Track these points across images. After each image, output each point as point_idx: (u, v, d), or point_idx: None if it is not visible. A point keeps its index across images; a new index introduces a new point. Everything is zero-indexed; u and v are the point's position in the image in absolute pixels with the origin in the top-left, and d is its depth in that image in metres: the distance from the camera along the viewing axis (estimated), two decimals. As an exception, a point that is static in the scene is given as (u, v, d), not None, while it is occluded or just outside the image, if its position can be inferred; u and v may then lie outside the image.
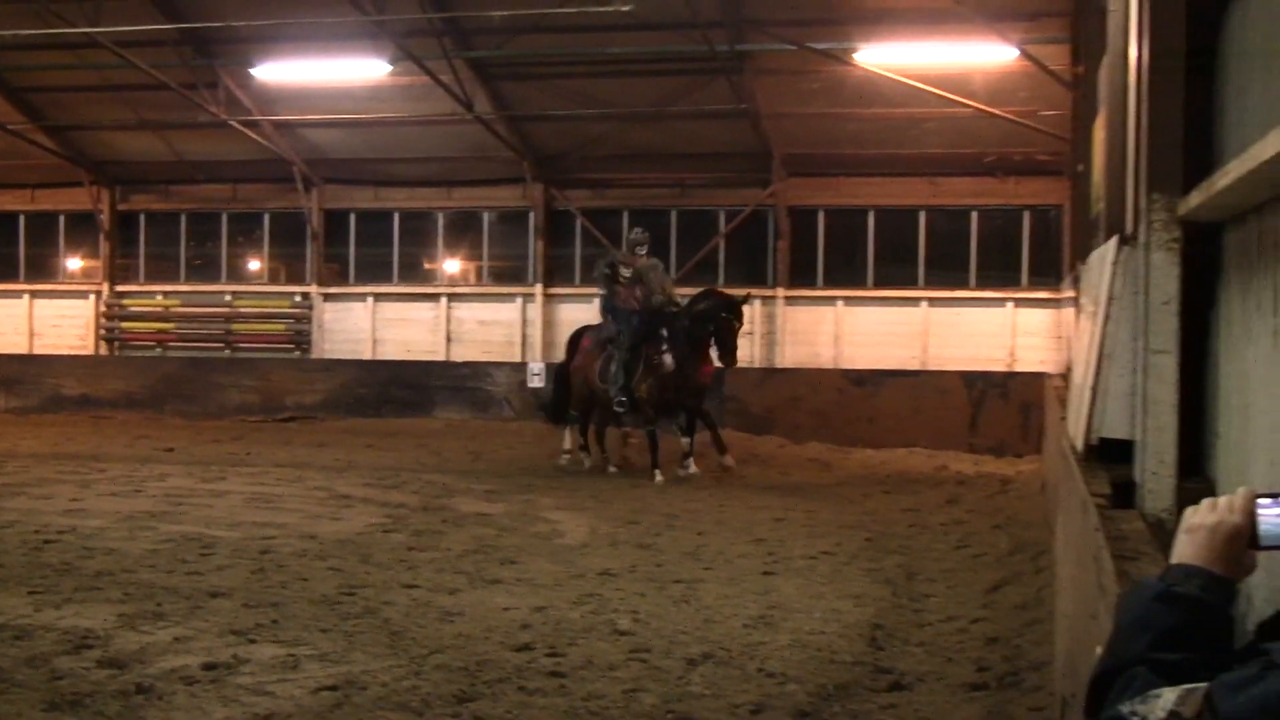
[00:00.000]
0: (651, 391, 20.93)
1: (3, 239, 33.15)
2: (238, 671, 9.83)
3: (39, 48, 26.10)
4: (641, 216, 29.10)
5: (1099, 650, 5.25)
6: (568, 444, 22.58)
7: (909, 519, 17.18)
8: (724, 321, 20.95)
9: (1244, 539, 2.38)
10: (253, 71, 26.15)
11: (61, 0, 23.30)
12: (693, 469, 20.86)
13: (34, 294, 32.80)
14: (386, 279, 30.86)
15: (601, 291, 22.49)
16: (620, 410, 21.54)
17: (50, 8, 23.33)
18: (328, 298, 31.04)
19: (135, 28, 23.88)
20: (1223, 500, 2.46)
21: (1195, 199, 7.67)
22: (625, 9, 19.73)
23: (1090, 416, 9.65)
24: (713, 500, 18.59)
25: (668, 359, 20.67)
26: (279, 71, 26.00)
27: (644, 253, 22.05)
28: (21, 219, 33.08)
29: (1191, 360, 8.22)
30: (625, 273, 21.69)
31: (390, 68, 24.73)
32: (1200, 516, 2.48)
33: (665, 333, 21.06)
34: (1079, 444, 10.32)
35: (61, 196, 32.33)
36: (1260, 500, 2.38)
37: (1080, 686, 6.94)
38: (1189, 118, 8.18)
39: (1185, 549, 2.47)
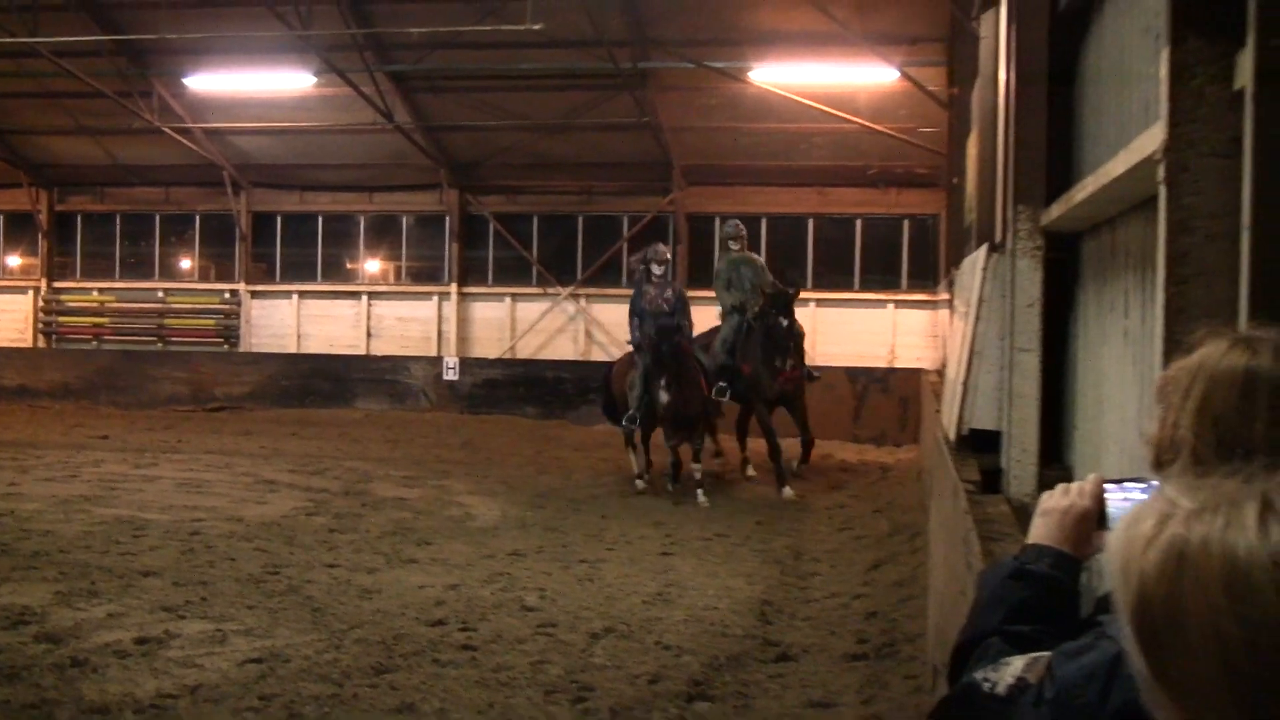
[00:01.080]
0: (664, 412, 17.76)
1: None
2: (168, 646, 9.79)
3: (-21, 57, 25.71)
4: (550, 222, 29.19)
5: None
6: (635, 467, 19.01)
7: (796, 504, 17.29)
8: (773, 320, 18.51)
9: (1093, 521, 2.43)
10: (185, 81, 25.90)
11: (2, 11, 22.97)
12: (787, 492, 17.85)
13: (-25, 289, 32.37)
14: (311, 278, 30.66)
15: (632, 292, 19.44)
16: (630, 427, 18.67)
17: (-14, 19, 23.00)
18: (255, 295, 30.79)
19: (73, 38, 23.58)
20: (1075, 485, 2.50)
21: (1056, 211, 7.80)
22: (536, 28, 19.69)
23: (962, 409, 9.78)
24: (614, 486, 18.62)
25: (663, 396, 17.42)
26: (210, 81, 25.76)
27: (737, 248, 20.02)
28: (-38, 219, 32.63)
29: (1053, 358, 8.36)
30: (656, 270, 18.91)
31: (315, 79, 24.59)
32: (1054, 500, 2.51)
33: (665, 360, 17.46)
34: (952, 434, 10.47)
35: (1, 197, 31.88)
36: (1108, 485, 2.43)
37: (949, 658, 7.06)
38: (1051, 136, 8.31)
39: (1039, 530, 2.50)
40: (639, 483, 18.51)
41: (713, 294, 20.27)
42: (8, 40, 22.97)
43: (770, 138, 26.07)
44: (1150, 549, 1.24)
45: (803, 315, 27.21)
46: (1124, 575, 1.65)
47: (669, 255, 19.59)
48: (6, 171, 30.89)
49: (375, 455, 21.81)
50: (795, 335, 18.74)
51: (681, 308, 18.53)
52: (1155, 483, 2.15)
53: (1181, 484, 1.48)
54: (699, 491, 17.27)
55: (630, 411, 18.39)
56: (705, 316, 20.34)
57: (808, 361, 20.24)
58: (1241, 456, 1.75)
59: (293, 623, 10.62)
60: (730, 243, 20.09)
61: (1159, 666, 1.21)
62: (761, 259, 20.60)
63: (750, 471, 19.31)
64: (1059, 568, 2.43)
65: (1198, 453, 1.95)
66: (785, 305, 18.51)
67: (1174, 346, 3.88)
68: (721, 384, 18.75)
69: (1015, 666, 2.19)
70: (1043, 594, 2.39)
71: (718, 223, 27.38)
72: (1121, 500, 2.41)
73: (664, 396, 17.40)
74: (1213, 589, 1.15)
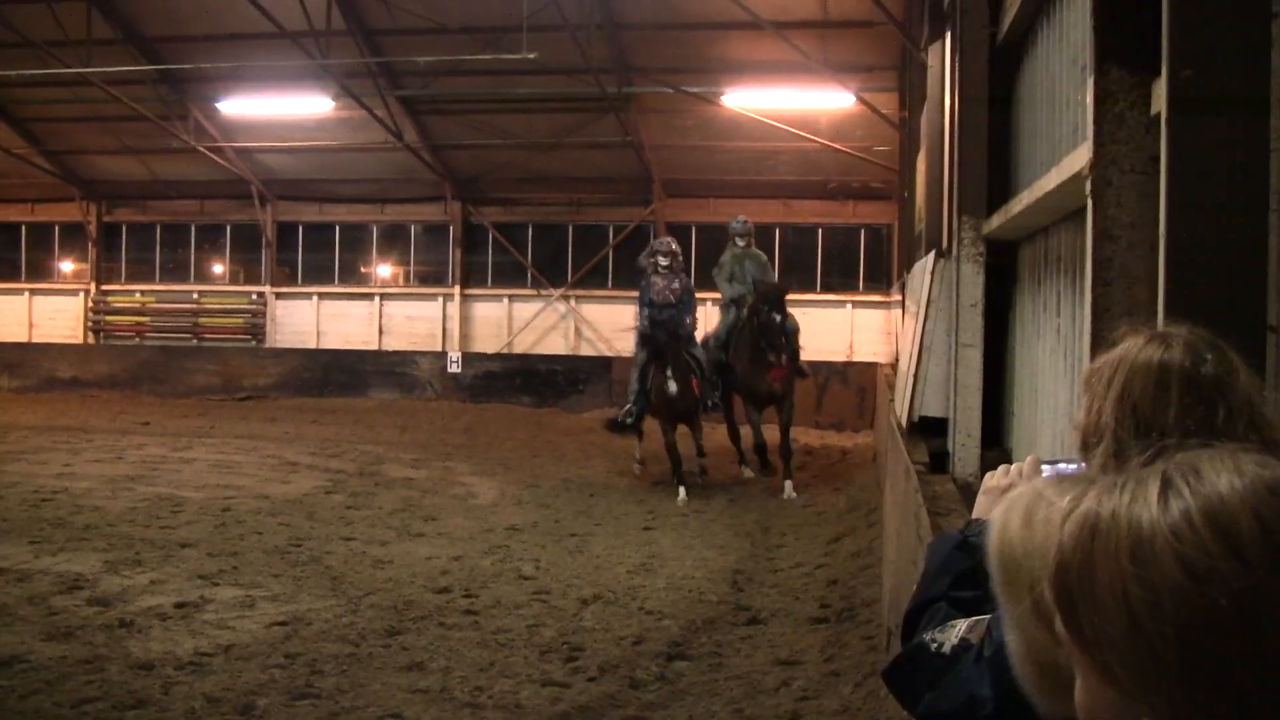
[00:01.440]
0: (660, 407, 16.63)
1: (7, 245, 32.70)
2: (204, 609, 9.81)
3: (40, 85, 25.67)
4: (543, 230, 29.17)
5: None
6: (637, 453, 18.19)
7: (765, 484, 17.29)
8: (765, 316, 16.56)
9: None
10: (218, 105, 25.90)
11: (59, 45, 23.00)
12: (789, 492, 16.18)
13: (33, 292, 32.32)
14: (329, 281, 30.62)
15: (641, 282, 17.90)
16: (628, 422, 17.44)
17: (50, 51, 23.04)
18: (279, 296, 30.74)
19: (120, 68, 23.60)
20: (1014, 466, 2.52)
21: (996, 221, 7.83)
22: (531, 56, 19.68)
23: (912, 398, 9.80)
24: (601, 468, 18.61)
25: (671, 386, 16.10)
26: (240, 105, 25.76)
27: (744, 244, 18.27)
28: (23, 228, 32.58)
29: (993, 352, 8.38)
30: (663, 261, 17.34)
31: (333, 103, 24.59)
32: (996, 480, 2.53)
33: (664, 351, 16.36)
34: (904, 421, 10.49)
35: (56, 210, 31.85)
36: (1044, 466, 2.45)
37: (901, 621, 7.09)
38: (991, 154, 8.33)
39: (982, 506, 2.53)
40: (637, 467, 17.77)
41: (716, 294, 19.18)
42: (65, 71, 23.02)
43: (741, 155, 26.09)
44: (1068, 522, 1.26)
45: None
46: (1011, 546, 1.68)
47: (675, 246, 17.81)
48: (61, 187, 30.92)
49: (386, 440, 21.78)
50: (787, 331, 16.77)
51: (688, 299, 17.39)
52: (1083, 464, 2.17)
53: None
54: (681, 489, 15.98)
55: (628, 406, 17.31)
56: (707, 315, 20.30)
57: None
58: (1156, 440, 1.77)
59: (314, 589, 10.63)
60: (737, 239, 18.34)
61: (1074, 623, 1.23)
62: (765, 257, 18.96)
63: (747, 472, 17.66)
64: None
65: (1119, 437, 1.97)
66: (777, 300, 16.61)
67: (1099, 342, 3.91)
68: (713, 395, 17.31)
69: (959, 628, 2.21)
70: (969, 557, 2.41)
71: (694, 231, 27.46)
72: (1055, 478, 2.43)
73: (671, 387, 16.05)
74: (1121, 556, 1.18)
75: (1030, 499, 1.76)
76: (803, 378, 17.93)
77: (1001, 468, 2.57)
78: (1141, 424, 1.95)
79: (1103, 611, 1.18)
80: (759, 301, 16.62)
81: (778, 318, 16.40)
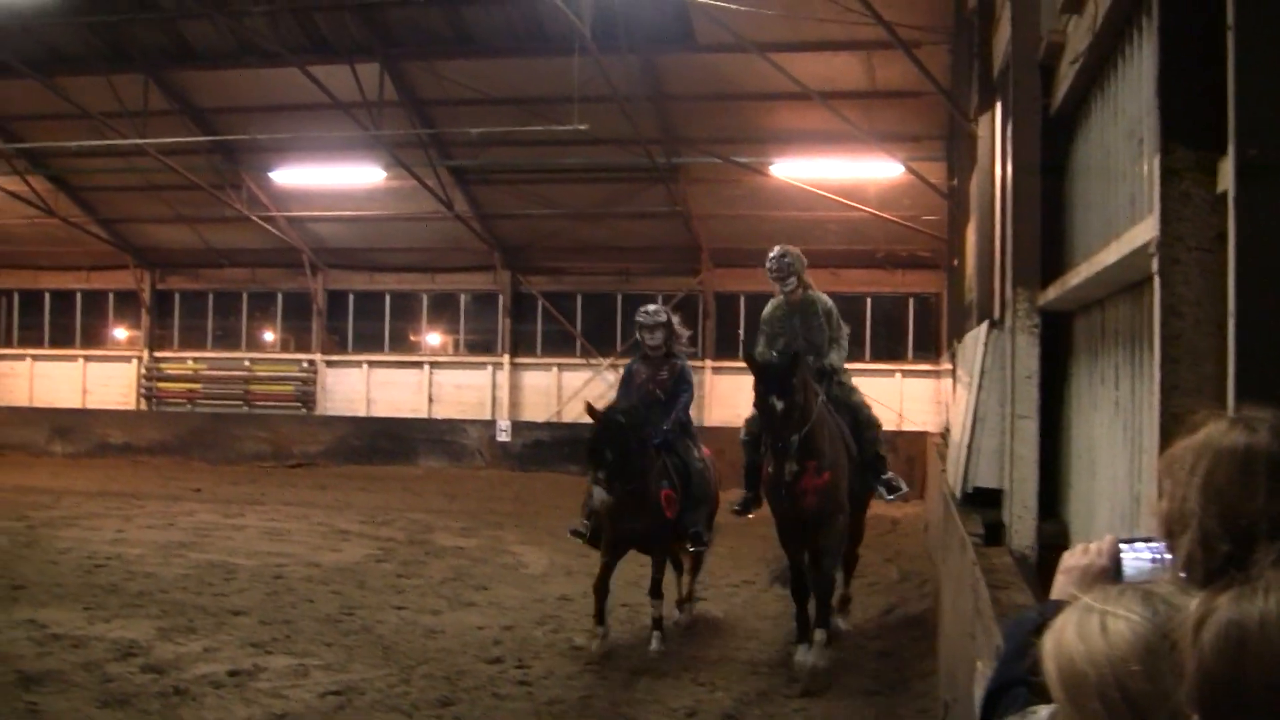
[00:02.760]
0: (601, 523, 11.94)
1: (63, 312, 33.21)
2: (257, 678, 9.82)
3: (96, 155, 26.10)
4: (591, 299, 29.31)
5: (978, 665, 5.30)
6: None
7: (814, 552, 17.15)
8: (764, 403, 11.00)
9: (1109, 577, 2.42)
10: (270, 175, 26.28)
11: (116, 116, 23.38)
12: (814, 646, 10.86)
13: (87, 358, 32.73)
14: (379, 349, 30.84)
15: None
16: (583, 534, 12.30)
17: (106, 122, 23.43)
18: (329, 364, 30.96)
19: (175, 139, 23.95)
20: (1092, 545, 2.49)
21: (1052, 293, 7.81)
22: (581, 128, 19.88)
23: (966, 469, 9.74)
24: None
25: (596, 492, 11.16)
26: (292, 175, 26.10)
27: (790, 289, 12.39)
28: (78, 296, 33.07)
29: (1049, 424, 8.33)
30: (650, 341, 12.36)
31: (385, 174, 24.87)
32: (1074, 559, 2.49)
33: (600, 452, 11.21)
34: (957, 491, 10.41)
35: (110, 277, 32.29)
36: (1121, 545, 2.42)
37: (958, 694, 7.02)
38: (1045, 224, 8.32)
39: (1061, 586, 2.48)
40: (594, 644, 11.42)
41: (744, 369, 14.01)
42: (121, 141, 23.39)
43: (788, 224, 26.09)
44: (1205, 630, 1.25)
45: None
46: (1070, 660, 1.67)
47: (663, 315, 12.51)
48: (115, 255, 31.35)
49: (436, 508, 21.80)
50: (802, 420, 10.84)
51: (683, 390, 12.47)
52: (1163, 545, 2.16)
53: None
54: (654, 635, 11.68)
55: (578, 519, 12.48)
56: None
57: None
58: (1244, 528, 1.76)
59: (366, 659, 10.63)
60: (777, 282, 12.47)
61: None
62: (829, 302, 12.78)
63: (798, 655, 10.92)
64: None
65: (1204, 525, 1.95)
66: (775, 379, 10.86)
67: (1169, 419, 3.89)
68: (699, 522, 12.22)
69: (1040, 715, 2.19)
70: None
71: (741, 300, 27.55)
72: (1134, 559, 2.40)
73: (596, 494, 11.15)
74: (1273, 662, 1.17)
75: (1079, 613, 1.75)
76: (890, 495, 12.54)
77: (1079, 546, 2.54)
78: (1228, 512, 1.93)
79: (1253, 716, 1.18)
80: (757, 382, 11.07)
81: (778, 404, 10.71)
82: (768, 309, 12.74)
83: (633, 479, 11.34)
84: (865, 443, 12.23)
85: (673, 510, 11.79)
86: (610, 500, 11.17)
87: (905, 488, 12.61)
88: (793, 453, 10.63)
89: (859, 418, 12.48)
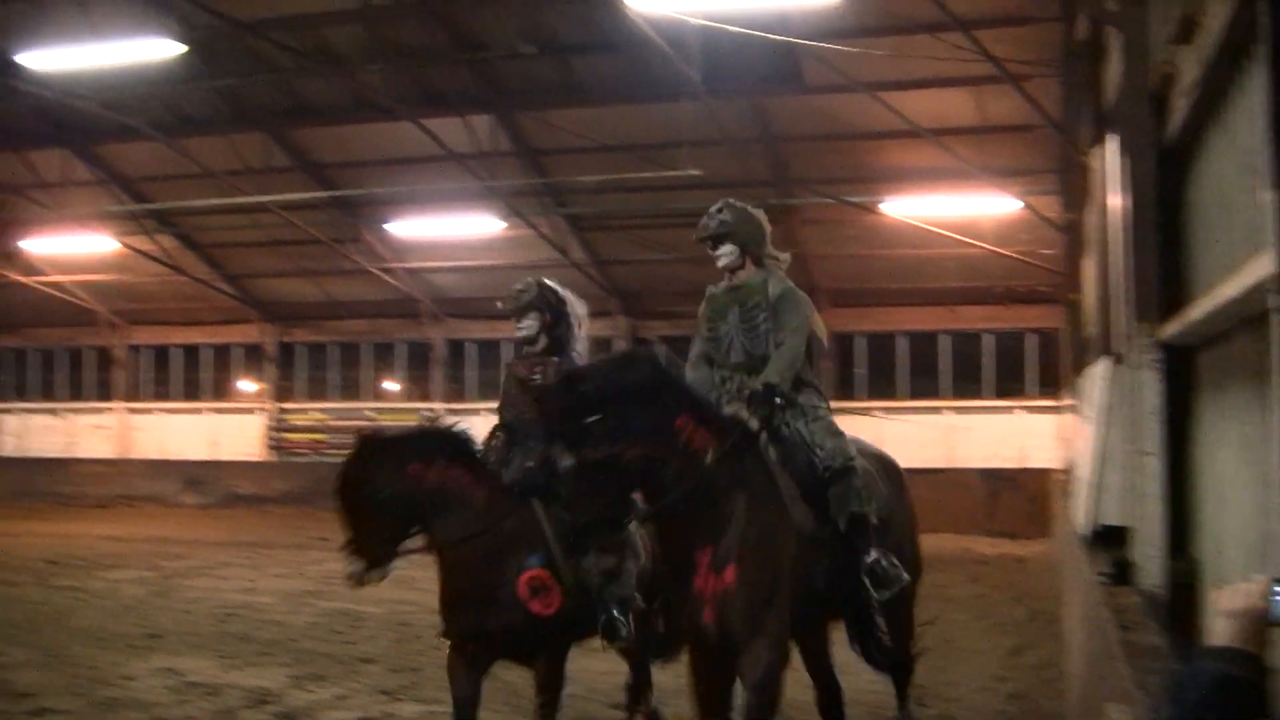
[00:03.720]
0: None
1: (191, 367, 34.01)
2: (388, 725, 9.90)
3: (220, 213, 26.79)
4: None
5: (1108, 708, 5.23)
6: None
7: (939, 594, 16.98)
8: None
9: (1265, 619, 2.39)
10: (387, 227, 26.73)
11: (237, 174, 24.00)
12: None
13: (215, 411, 33.47)
14: (499, 396, 31.08)
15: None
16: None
17: (230, 181, 24.05)
18: (451, 412, 31.29)
19: (295, 195, 24.51)
20: (1246, 587, 2.46)
21: (1173, 327, 7.71)
22: (694, 173, 19.99)
23: (1092, 507, 9.62)
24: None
25: (352, 566, 7.98)
26: (410, 227, 26.53)
27: (726, 261, 8.00)
28: (205, 350, 33.86)
29: (1175, 460, 8.20)
30: (523, 328, 8.99)
31: (504, 224, 25.15)
32: (1231, 602, 2.46)
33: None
34: (1083, 529, 10.28)
35: (236, 331, 33.06)
36: (1275, 586, 2.39)
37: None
38: (1163, 256, 8.22)
39: (1222, 632, 2.45)
40: None
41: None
42: (244, 199, 23.98)
43: (903, 262, 26.06)
44: None
45: (938, 421, 27.22)
46: None
47: (533, 291, 8.84)
48: (240, 309, 32.12)
49: (559, 552, 21.81)
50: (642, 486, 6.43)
51: None
52: None
53: None
54: None
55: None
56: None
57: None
58: None
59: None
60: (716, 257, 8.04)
61: None
62: (784, 284, 7.91)
63: None
64: (1245, 667, 2.39)
65: None
66: (558, 414, 6.36)
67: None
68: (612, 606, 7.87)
69: None
70: (1232, 693, 2.36)
71: (859, 340, 27.47)
72: None
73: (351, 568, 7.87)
74: None
75: None
76: (878, 591, 7.15)
77: (1230, 589, 2.50)
78: None
79: None
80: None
81: (566, 461, 6.23)
82: (704, 303, 8.21)
83: (451, 537, 7.81)
84: (834, 504, 7.09)
85: (548, 602, 7.57)
86: (373, 578, 7.81)
87: (904, 577, 7.21)
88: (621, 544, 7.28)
89: (820, 463, 7.20)
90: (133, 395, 35.09)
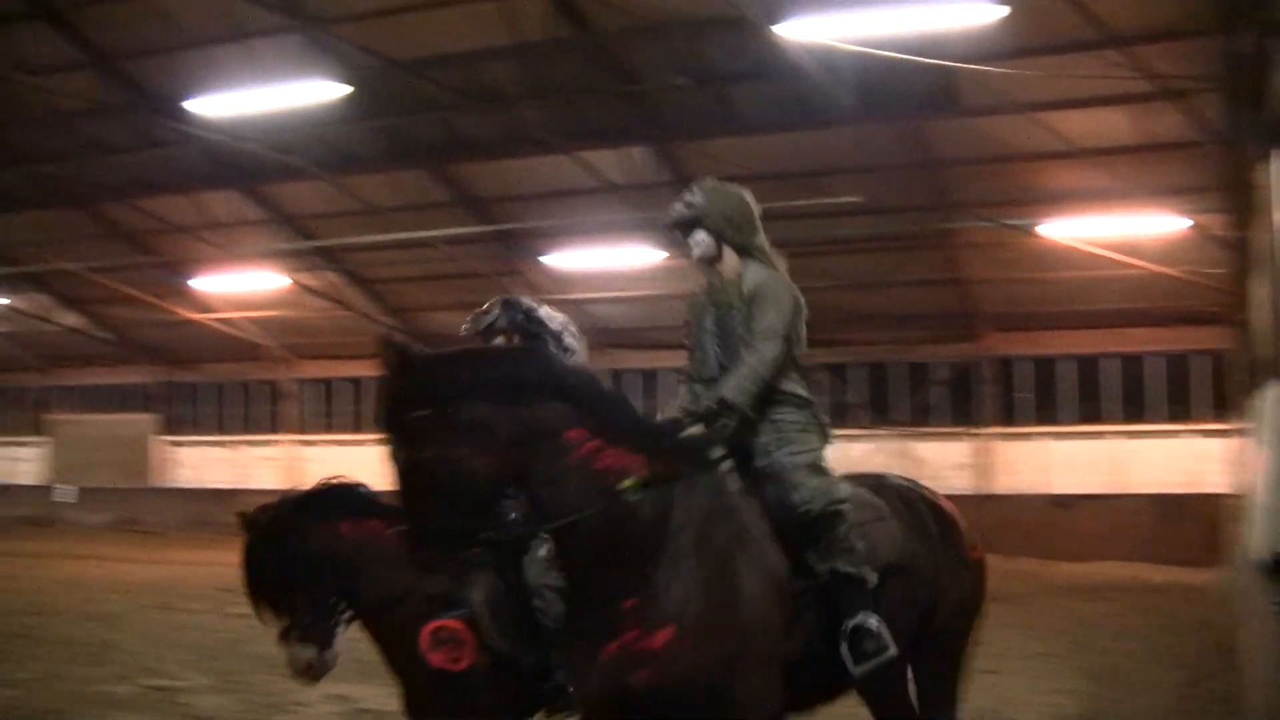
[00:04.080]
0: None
1: (357, 399, 34.78)
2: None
3: (382, 249, 27.35)
4: (865, 369, 29.23)
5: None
6: None
7: (1111, 623, 16.59)
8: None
9: None
10: (543, 259, 27.01)
11: (399, 210, 24.52)
12: None
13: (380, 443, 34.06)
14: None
15: None
16: None
17: (392, 217, 24.63)
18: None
19: (456, 230, 24.95)
20: None
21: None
22: (856, 200, 19.90)
23: (1267, 533, 9.34)
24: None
25: (297, 653, 6.40)
26: (567, 259, 26.78)
27: (701, 250, 6.53)
28: (369, 383, 34.34)
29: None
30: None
31: (663, 254, 25.19)
32: None
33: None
34: (1258, 556, 9.97)
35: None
36: None
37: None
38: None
39: None
40: None
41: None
42: (406, 235, 24.49)
43: (1065, 285, 25.62)
44: None
45: (1104, 446, 26.84)
46: None
47: (493, 315, 7.47)
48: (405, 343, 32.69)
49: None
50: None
51: None
52: None
53: None
54: None
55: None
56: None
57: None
58: None
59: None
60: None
61: None
62: (764, 279, 6.64)
63: None
64: None
65: None
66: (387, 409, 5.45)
67: None
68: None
69: None
70: None
71: (1023, 364, 27.13)
72: None
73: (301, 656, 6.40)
74: None
75: None
76: (858, 665, 5.69)
77: None
78: None
79: None
80: None
81: (399, 460, 5.48)
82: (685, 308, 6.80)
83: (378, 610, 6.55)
84: (814, 558, 5.75)
85: (455, 656, 6.20)
86: (320, 667, 6.44)
87: (891, 649, 5.71)
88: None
89: (793, 501, 5.82)
90: (300, 427, 35.89)
